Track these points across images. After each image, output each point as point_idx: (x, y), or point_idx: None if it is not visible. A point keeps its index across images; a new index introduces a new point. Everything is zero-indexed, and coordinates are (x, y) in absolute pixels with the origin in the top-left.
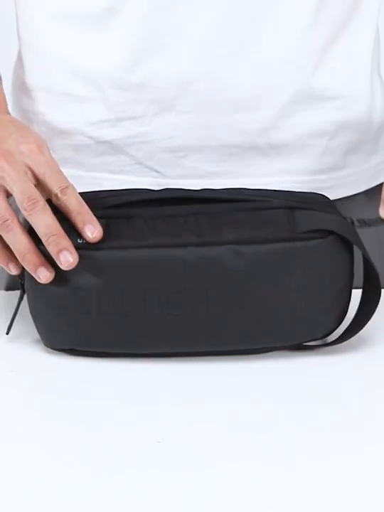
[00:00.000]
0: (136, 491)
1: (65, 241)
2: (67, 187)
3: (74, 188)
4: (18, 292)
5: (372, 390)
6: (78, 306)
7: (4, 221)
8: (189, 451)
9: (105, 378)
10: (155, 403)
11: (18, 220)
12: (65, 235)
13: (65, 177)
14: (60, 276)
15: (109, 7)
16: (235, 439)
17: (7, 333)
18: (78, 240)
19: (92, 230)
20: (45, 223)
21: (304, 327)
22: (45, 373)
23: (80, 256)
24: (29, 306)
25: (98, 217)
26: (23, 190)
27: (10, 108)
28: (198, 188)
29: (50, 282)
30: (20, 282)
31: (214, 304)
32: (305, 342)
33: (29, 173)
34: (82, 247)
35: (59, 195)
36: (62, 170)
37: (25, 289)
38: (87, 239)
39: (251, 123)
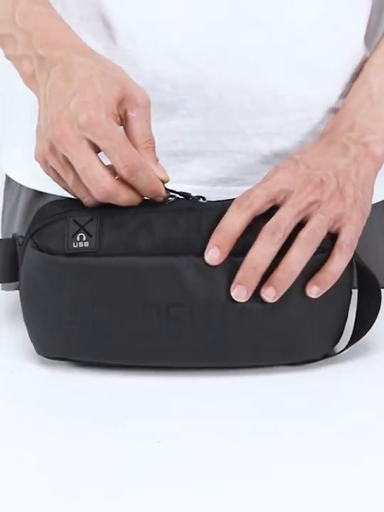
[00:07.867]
0: (136, 491)
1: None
2: (133, 166)
3: (140, 161)
4: (17, 292)
5: (375, 397)
6: (73, 316)
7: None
8: (189, 452)
9: (105, 378)
10: (155, 403)
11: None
12: (157, 179)
13: (129, 151)
14: (53, 284)
15: None
16: (234, 440)
17: None
18: (73, 245)
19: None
20: (143, 184)
21: (302, 347)
22: (44, 373)
23: (73, 263)
24: (23, 313)
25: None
26: (89, 178)
27: None
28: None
29: (45, 289)
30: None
31: (214, 318)
32: (303, 361)
33: (92, 146)
34: (76, 253)
35: (126, 176)
36: None
37: (20, 295)
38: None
39: (254, 128)
